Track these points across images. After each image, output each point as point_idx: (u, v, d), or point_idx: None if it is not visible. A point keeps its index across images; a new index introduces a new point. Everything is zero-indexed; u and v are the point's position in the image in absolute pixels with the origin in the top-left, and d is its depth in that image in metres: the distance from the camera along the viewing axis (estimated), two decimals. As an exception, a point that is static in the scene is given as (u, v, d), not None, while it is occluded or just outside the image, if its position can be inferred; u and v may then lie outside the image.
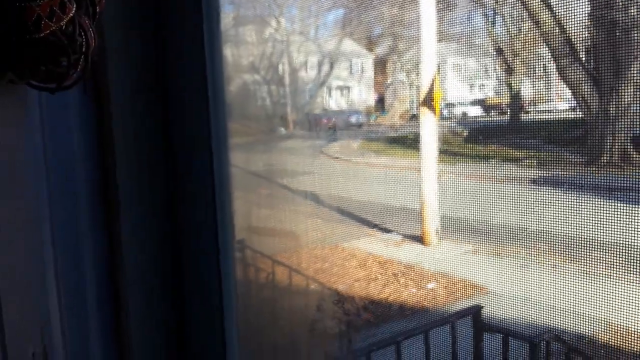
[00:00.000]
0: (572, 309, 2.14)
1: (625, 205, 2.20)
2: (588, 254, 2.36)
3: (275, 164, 3.45)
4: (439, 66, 3.30)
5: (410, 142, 3.63)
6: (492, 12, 2.97)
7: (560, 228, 2.49)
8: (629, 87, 2.25)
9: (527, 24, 2.85)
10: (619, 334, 2.05)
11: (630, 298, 2.14)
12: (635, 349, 2.00)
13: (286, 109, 4.48)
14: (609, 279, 2.21)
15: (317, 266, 3.23)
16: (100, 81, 1.00)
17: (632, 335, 2.06)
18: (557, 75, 2.81)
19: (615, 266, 2.20)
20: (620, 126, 2.35)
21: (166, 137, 1.08)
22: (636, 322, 2.03)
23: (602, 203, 2.20)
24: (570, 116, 2.71)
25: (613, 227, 2.15)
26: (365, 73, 4.39)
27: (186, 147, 1.10)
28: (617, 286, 2.21)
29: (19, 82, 0.73)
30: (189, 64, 1.07)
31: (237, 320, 1.21)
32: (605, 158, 2.35)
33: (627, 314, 2.09)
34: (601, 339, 2.05)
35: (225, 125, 1.12)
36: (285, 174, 3.53)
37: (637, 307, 2.08)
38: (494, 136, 3.20)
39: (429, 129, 3.15)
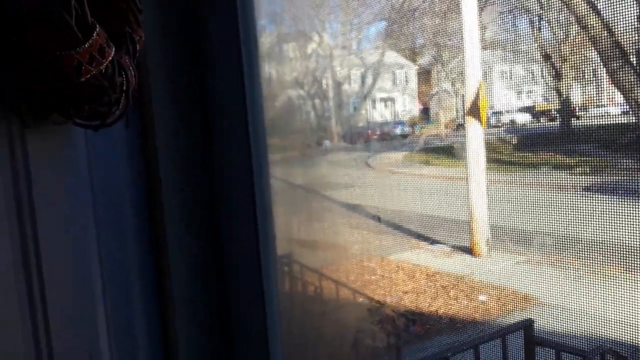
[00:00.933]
0: (628, 320, 2.05)
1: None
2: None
3: (321, 176, 3.47)
4: (484, 74, 3.25)
5: (456, 152, 3.59)
6: (537, 17, 2.92)
7: (615, 236, 2.40)
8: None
9: (574, 29, 2.79)
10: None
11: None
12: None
13: (330, 122, 4.51)
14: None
15: (364, 279, 3.21)
16: (144, 112, 1.04)
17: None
18: (607, 79, 2.74)
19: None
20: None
21: (209, 160, 1.12)
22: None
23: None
24: (622, 120, 2.62)
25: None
26: (409, 84, 4.37)
27: (228, 168, 1.13)
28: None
29: (65, 121, 0.77)
30: (228, 89, 1.10)
31: (282, 336, 1.22)
32: (662, 163, 2.27)
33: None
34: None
35: (264, 144, 1.14)
36: (330, 187, 3.55)
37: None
38: (544, 143, 3.13)
39: (476, 138, 3.10)
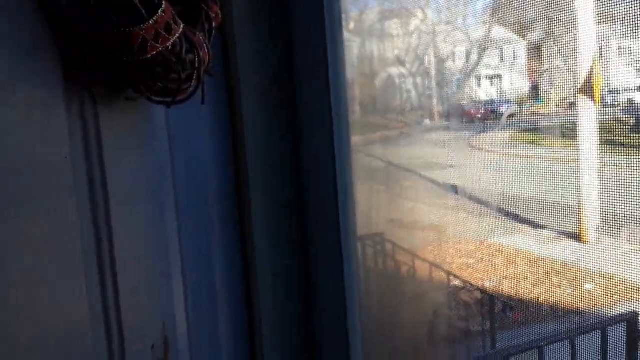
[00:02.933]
0: None
1: None
2: None
3: (420, 156, 3.43)
4: (600, 50, 3.02)
5: (566, 132, 3.37)
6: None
7: None
8: None
9: None
10: None
11: None
12: None
13: (432, 100, 4.40)
14: None
15: (461, 262, 3.14)
16: (233, 88, 1.09)
17: None
18: None
19: None
20: None
21: (293, 140, 1.15)
22: None
23: None
24: None
25: None
26: (518, 60, 4.15)
27: (310, 149, 1.16)
28: None
29: (138, 97, 0.82)
30: (311, 66, 1.12)
31: (361, 317, 1.25)
32: None
33: None
34: None
35: (347, 122, 1.16)
36: (429, 167, 3.48)
37: None
38: (666, 124, 2.87)
39: (588, 118, 2.90)
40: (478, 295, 3.07)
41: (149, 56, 0.72)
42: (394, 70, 3.84)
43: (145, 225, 0.94)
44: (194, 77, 0.78)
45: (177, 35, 0.72)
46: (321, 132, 1.12)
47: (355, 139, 2.18)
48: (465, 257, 3.19)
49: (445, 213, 3.51)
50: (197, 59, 0.77)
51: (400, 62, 4.14)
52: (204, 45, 0.79)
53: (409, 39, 4.15)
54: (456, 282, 2.93)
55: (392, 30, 3.91)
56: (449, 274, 2.88)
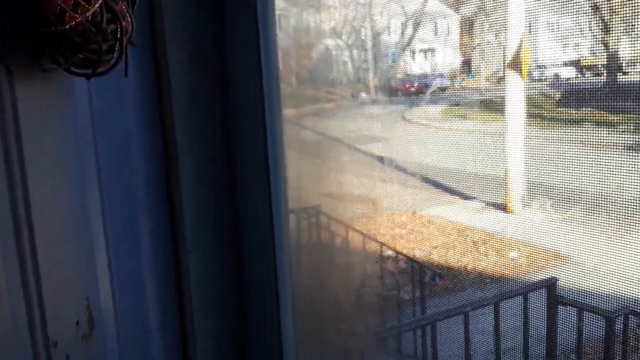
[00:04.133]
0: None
1: None
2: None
3: (356, 129, 3.44)
4: (529, 25, 3.11)
5: (495, 106, 3.48)
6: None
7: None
8: None
9: (629, -24, 2.62)
10: None
11: None
12: None
13: (368, 74, 4.42)
14: None
15: (394, 233, 3.20)
16: (158, 59, 1.03)
17: None
18: (660, 31, 2.57)
19: None
20: None
21: (223, 111, 1.11)
22: None
23: None
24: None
25: None
26: (451, 35, 4.22)
27: (241, 120, 1.12)
28: None
29: (56, 69, 0.76)
30: (243, 36, 1.08)
31: (293, 289, 1.24)
32: None
33: None
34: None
35: (279, 94, 1.13)
36: (364, 140, 3.51)
37: None
38: (588, 99, 3.00)
39: (516, 92, 2.99)
40: (409, 264, 3.15)
41: (67, 27, 0.66)
42: (331, 42, 3.80)
43: (66, 199, 0.88)
44: (116, 48, 0.72)
45: (97, 4, 0.67)
46: (252, 103, 1.09)
47: (292, 112, 2.15)
48: (397, 228, 3.26)
49: (379, 185, 3.56)
50: (119, 29, 0.72)
51: (336, 33, 4.11)
52: (127, 14, 0.73)
53: (346, 11, 4.13)
54: (389, 252, 2.99)
55: (329, 1, 3.86)
56: (381, 244, 2.93)
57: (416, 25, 4.36)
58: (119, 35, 0.71)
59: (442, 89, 4.09)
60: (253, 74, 1.08)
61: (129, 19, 0.75)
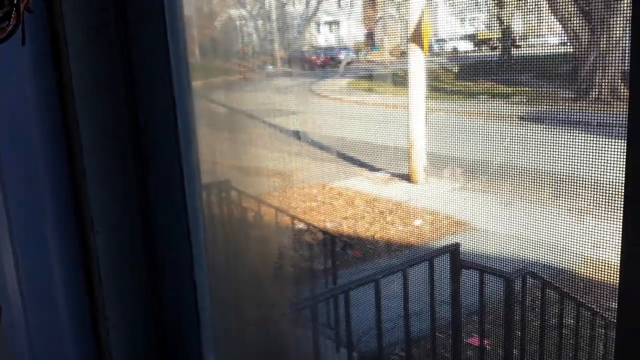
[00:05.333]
0: (550, 243, 2.17)
1: (613, 141, 2.18)
2: (574, 190, 2.37)
3: (264, 102, 3.39)
4: (429, -1, 3.20)
5: (399, 80, 3.57)
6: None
7: (548, 165, 2.49)
8: (619, 21, 2.19)
9: (520, -47, 2.75)
10: (594, 267, 2.09)
11: (612, 233, 2.17)
12: (610, 281, 2.05)
13: (274, 45, 4.37)
14: (595, 217, 2.23)
15: (305, 205, 3.24)
16: (54, 26, 0.96)
17: (608, 267, 2.10)
18: (547, 8, 2.74)
19: (599, 202, 2.22)
20: (610, 61, 2.31)
21: (128, 85, 1.06)
22: (613, 255, 2.06)
23: (590, 139, 2.19)
24: (560, 51, 2.66)
25: (600, 164, 2.14)
26: (355, 7, 4.26)
27: (147, 92, 1.07)
28: (600, 222, 2.23)
29: None
30: (147, 4, 1.03)
31: (209, 261, 1.22)
32: (594, 93, 2.33)
33: (608, 249, 2.12)
34: (579, 272, 2.09)
35: (187, 66, 1.08)
36: (272, 113, 3.49)
37: (615, 242, 2.11)
38: (484, 72, 3.15)
39: (418, 66, 3.09)
40: (320, 236, 3.20)
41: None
42: (234, 12, 3.71)
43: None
44: (13, 15, 0.66)
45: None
46: (159, 75, 1.04)
47: (197, 84, 2.08)
48: (308, 201, 3.30)
49: (289, 159, 3.56)
50: (16, -5, 0.65)
51: (240, 3, 4.01)
52: None
53: (249, -20, 4.03)
54: (300, 225, 3.03)
55: (231, -30, 3.74)
56: (293, 217, 2.95)
57: (320, -3, 4.35)
58: (15, 1, 0.65)
59: (348, 63, 4.12)
60: (159, 46, 1.03)
61: (26, -15, 0.68)
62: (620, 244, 2.10)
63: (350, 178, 3.57)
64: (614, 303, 2.12)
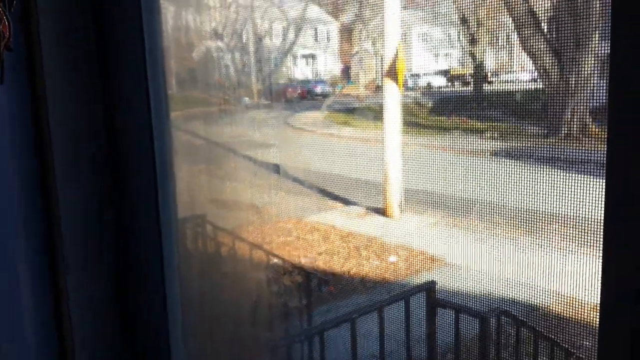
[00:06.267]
0: (525, 281, 2.16)
1: (583, 177, 2.19)
2: (547, 226, 2.37)
3: (240, 135, 3.37)
4: (403, 35, 3.23)
5: (374, 114, 3.59)
6: (456, -21, 2.90)
7: (520, 201, 2.49)
8: (589, 59, 2.22)
9: (491, -8, 2.79)
10: (571, 306, 2.08)
11: (585, 270, 2.16)
12: (586, 320, 2.03)
13: (250, 78, 4.37)
14: (568, 252, 2.23)
15: (280, 240, 3.20)
16: (34, 65, 0.93)
17: (584, 306, 2.09)
18: (519, 45, 2.78)
19: (573, 239, 2.22)
20: (579, 98, 2.34)
21: (109, 121, 1.03)
22: (588, 293, 2.05)
23: (561, 176, 2.20)
24: (531, 87, 2.69)
25: (571, 200, 2.14)
26: (331, 41, 4.29)
27: (127, 124, 1.04)
28: (573, 259, 2.22)
29: None
30: (126, 38, 1.00)
31: (183, 296, 1.17)
32: (564, 130, 2.35)
33: (581, 286, 2.11)
34: (554, 311, 2.08)
35: (166, 98, 1.06)
36: (249, 146, 3.46)
37: (590, 280, 2.10)
38: (457, 107, 3.18)
39: (393, 100, 3.10)
40: (295, 272, 3.15)
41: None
42: (212, 44, 3.70)
43: None
44: None
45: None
46: (138, 110, 1.01)
47: (174, 115, 2.06)
48: (283, 236, 3.25)
49: (265, 192, 3.53)
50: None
51: (217, 35, 4.02)
52: (3, 17, 0.64)
53: (227, 12, 4.05)
54: (275, 261, 2.97)
55: (209, 2, 3.76)
56: (268, 253, 2.90)
57: (297, 31, 4.38)
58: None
59: (324, 96, 4.14)
60: (138, 79, 1.00)
61: (6, 22, 0.66)
62: (593, 282, 2.09)
63: (325, 212, 3.54)
64: (586, 342, 2.10)
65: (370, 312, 1.92)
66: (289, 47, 4.46)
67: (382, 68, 3.26)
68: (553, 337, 1.94)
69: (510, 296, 2.24)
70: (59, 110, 1.02)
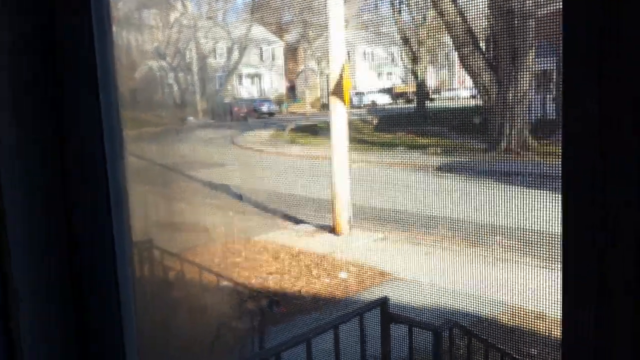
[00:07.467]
0: (474, 293, 2.20)
1: (523, 189, 2.26)
2: (490, 238, 2.44)
3: (185, 154, 3.32)
4: (348, 54, 3.28)
5: (321, 131, 3.61)
6: (398, 0, 2.98)
7: (461, 214, 2.55)
8: (525, 76, 2.31)
9: (431, 13, 2.88)
10: (517, 316, 2.13)
11: (529, 280, 2.22)
12: (535, 329, 2.09)
13: (195, 97, 4.32)
14: (509, 262, 2.29)
15: (229, 261, 3.15)
16: None
17: (531, 316, 2.15)
18: (459, 63, 2.87)
19: (514, 249, 2.28)
20: (517, 113, 2.43)
21: (61, 144, 0.98)
22: (535, 303, 2.11)
23: (501, 188, 2.27)
24: (471, 104, 2.77)
25: (513, 212, 2.21)
26: (276, 60, 4.31)
27: (79, 152, 1.00)
28: (515, 269, 2.28)
29: None
30: (78, 62, 0.97)
31: (137, 325, 1.13)
32: (504, 144, 2.43)
33: (526, 296, 2.17)
34: (501, 321, 2.13)
35: (119, 123, 1.02)
36: (195, 166, 3.41)
37: (535, 289, 2.16)
38: (401, 124, 3.24)
39: (339, 118, 3.14)
40: (246, 293, 3.11)
41: None
42: (155, 64, 3.65)
43: None
44: None
45: None
46: (90, 132, 0.98)
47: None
48: (232, 257, 3.21)
49: (213, 213, 3.48)
50: None
51: (160, 55, 3.97)
52: None
53: (170, 32, 4.01)
54: (225, 283, 2.91)
55: (152, 21, 3.71)
56: (217, 275, 2.85)
57: (242, 50, 4.38)
58: None
59: (270, 114, 4.14)
60: (90, 102, 0.97)
61: None
62: (537, 291, 2.15)
63: (275, 231, 3.52)
64: (534, 350, 2.16)
65: (326, 331, 1.91)
66: (233, 66, 4.44)
67: (328, 86, 3.30)
68: (501, 346, 1.99)
69: (459, 307, 2.28)
70: (8, 143, 0.97)
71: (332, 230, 3.25)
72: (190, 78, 4.22)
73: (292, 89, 4.07)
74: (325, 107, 3.47)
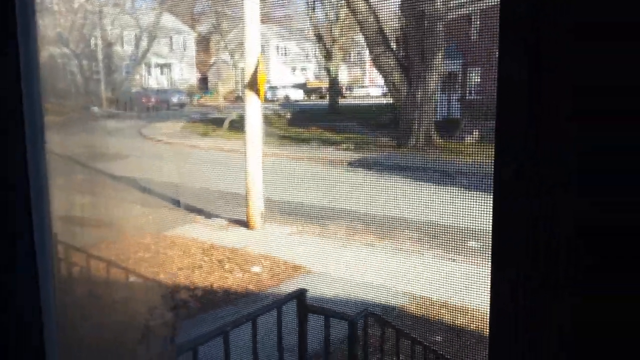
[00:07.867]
0: (385, 283, 2.29)
1: (430, 185, 2.37)
2: (399, 231, 2.54)
3: (89, 146, 3.17)
4: (263, 48, 3.28)
5: (235, 124, 3.58)
6: (312, -4, 3.01)
7: (373, 208, 2.63)
8: (433, 76, 2.42)
9: (344, 11, 2.94)
10: (425, 305, 2.25)
11: (433, 270, 2.34)
12: (442, 318, 2.21)
13: (100, 86, 4.11)
14: (416, 255, 2.40)
15: (137, 257, 3.04)
16: None
17: (437, 305, 2.26)
18: (370, 62, 2.95)
19: (421, 242, 2.39)
20: (425, 111, 2.54)
21: None
22: (442, 293, 2.22)
23: (410, 183, 2.37)
24: (382, 101, 2.86)
25: (420, 206, 2.31)
26: (187, 51, 4.21)
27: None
28: (419, 260, 2.39)
29: None
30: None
31: (58, 321, 1.08)
32: (412, 141, 2.53)
33: (432, 286, 2.29)
34: (409, 310, 2.23)
35: (40, 106, 0.97)
36: (100, 158, 3.26)
37: (442, 281, 2.28)
38: (314, 119, 3.29)
39: (254, 111, 3.13)
40: (157, 289, 3.02)
41: None
42: (56, 50, 3.44)
43: None
44: None
45: None
46: (12, 127, 0.91)
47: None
48: (142, 252, 3.10)
49: (119, 206, 3.33)
50: None
51: (62, 41, 3.76)
52: None
53: (73, 17, 3.80)
54: (134, 278, 2.80)
55: (54, 5, 3.51)
56: (125, 270, 2.73)
57: (151, 39, 4.23)
58: None
59: (181, 105, 4.04)
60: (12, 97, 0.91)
61: None
62: (444, 282, 2.27)
63: (186, 225, 3.45)
64: (438, 337, 2.28)
65: (244, 323, 1.90)
66: (142, 55, 4.28)
67: (242, 79, 3.27)
68: (412, 334, 2.09)
69: (370, 299, 2.36)
70: None
71: (246, 224, 3.25)
72: (94, 66, 4.02)
73: (204, 80, 4.00)
74: (239, 99, 3.45)
